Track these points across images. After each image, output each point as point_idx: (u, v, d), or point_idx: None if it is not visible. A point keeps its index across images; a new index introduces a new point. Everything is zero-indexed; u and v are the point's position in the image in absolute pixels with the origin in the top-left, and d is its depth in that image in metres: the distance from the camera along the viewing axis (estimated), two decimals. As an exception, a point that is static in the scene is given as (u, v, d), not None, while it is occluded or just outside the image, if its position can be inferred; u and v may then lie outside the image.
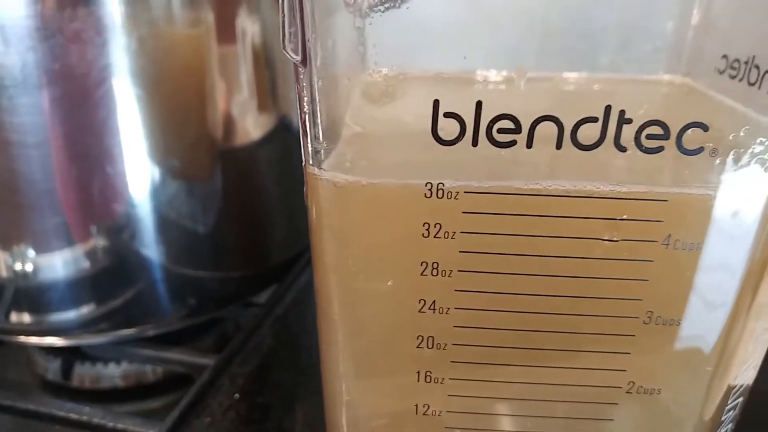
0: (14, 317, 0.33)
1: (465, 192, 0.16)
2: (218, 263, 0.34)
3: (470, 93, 0.17)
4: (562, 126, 0.15)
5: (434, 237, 0.16)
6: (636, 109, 0.15)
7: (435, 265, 0.16)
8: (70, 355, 0.36)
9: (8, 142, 0.29)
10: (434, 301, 0.17)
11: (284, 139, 0.35)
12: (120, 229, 0.31)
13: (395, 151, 0.17)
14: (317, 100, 0.16)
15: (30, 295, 0.32)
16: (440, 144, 0.15)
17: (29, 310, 0.33)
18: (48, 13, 0.27)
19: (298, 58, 0.15)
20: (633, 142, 0.15)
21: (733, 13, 0.20)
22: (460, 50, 0.21)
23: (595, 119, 0.15)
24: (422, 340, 0.17)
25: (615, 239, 0.16)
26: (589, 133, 0.15)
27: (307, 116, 0.16)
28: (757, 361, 0.20)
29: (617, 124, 0.15)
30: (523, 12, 0.21)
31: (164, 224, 0.32)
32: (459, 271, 0.16)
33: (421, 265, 0.16)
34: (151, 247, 0.32)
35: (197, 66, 0.31)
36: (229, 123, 0.33)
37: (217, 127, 0.32)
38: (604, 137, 0.15)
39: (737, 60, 0.19)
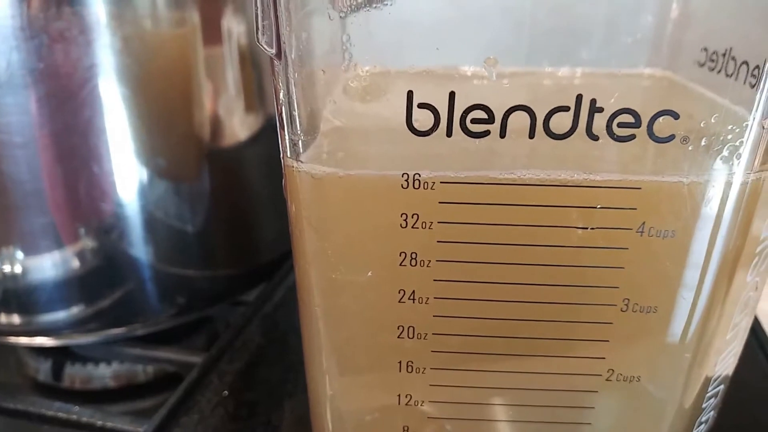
0: (3, 318, 0.33)
1: (441, 182, 0.16)
2: (207, 262, 0.35)
3: (445, 86, 0.17)
4: (535, 116, 0.15)
5: (412, 227, 0.16)
6: (607, 98, 0.15)
7: (413, 256, 0.16)
8: (60, 356, 0.36)
9: (-5, 143, 0.29)
10: (413, 291, 0.17)
11: (271, 137, 0.35)
12: (108, 229, 0.31)
13: (373, 144, 0.17)
14: (293, 93, 0.16)
15: (19, 295, 0.32)
16: (415, 135, 0.15)
17: (19, 310, 0.33)
18: (32, 13, 0.27)
19: (273, 51, 0.15)
20: (605, 131, 0.15)
21: (711, 6, 0.20)
22: (438, 45, 0.21)
23: (566, 108, 0.15)
24: (403, 330, 0.17)
25: (590, 227, 0.16)
26: (561, 122, 0.15)
27: (283, 108, 0.16)
28: (737, 349, 0.20)
29: (588, 113, 0.15)
30: (505, 6, 0.21)
31: (152, 224, 0.32)
32: (437, 261, 0.16)
33: (400, 255, 0.17)
34: (139, 247, 0.32)
35: (183, 66, 0.31)
36: (215, 122, 0.33)
37: (204, 127, 0.32)
38: (576, 126, 0.15)
39: (715, 52, 0.20)
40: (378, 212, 0.16)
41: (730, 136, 0.15)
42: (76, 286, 0.32)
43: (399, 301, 0.17)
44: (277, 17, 0.14)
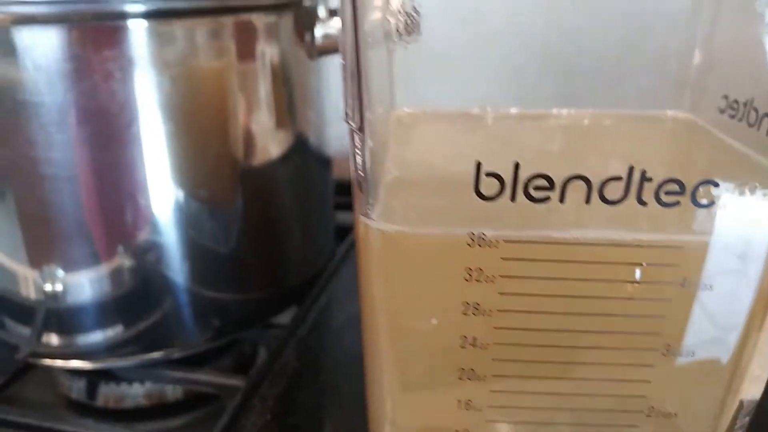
0: (43, 340, 0.34)
1: (504, 241, 0.17)
2: (241, 284, 0.36)
3: (496, 138, 0.18)
4: (591, 184, 0.17)
5: (475, 280, 0.18)
6: (656, 168, 0.17)
7: (476, 306, 0.18)
8: (94, 376, 0.37)
9: (43, 176, 0.30)
10: (475, 338, 0.19)
11: (299, 161, 0.37)
12: (145, 253, 0.32)
13: (434, 198, 0.19)
14: (367, 159, 0.18)
15: (58, 318, 0.34)
16: (482, 200, 0.17)
17: (58, 333, 0.34)
18: (85, 56, 0.28)
19: (356, 125, 0.17)
20: (653, 198, 0.17)
21: (733, 56, 0.22)
22: (477, 86, 0.23)
23: (619, 178, 0.17)
24: (463, 371, 0.19)
25: (637, 281, 0.18)
26: (614, 188, 0.17)
27: (360, 173, 0.18)
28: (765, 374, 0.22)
29: (639, 182, 0.17)
30: (537, 51, 0.23)
31: (188, 248, 0.33)
32: (498, 310, 0.18)
33: (463, 305, 0.18)
34: (176, 271, 0.33)
35: (220, 95, 0.32)
36: (250, 147, 0.34)
37: (239, 151, 0.33)
38: (627, 194, 0.17)
39: (736, 101, 0.21)
40: (444, 267, 0.18)
41: (761, 191, 0.17)
42: (115, 310, 0.34)
43: (460, 346, 0.19)
44: (361, 99, 0.16)
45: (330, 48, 0.36)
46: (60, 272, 0.32)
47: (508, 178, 0.17)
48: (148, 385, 0.37)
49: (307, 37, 0.35)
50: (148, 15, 0.28)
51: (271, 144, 0.35)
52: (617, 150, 0.20)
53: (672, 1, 0.22)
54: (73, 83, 0.28)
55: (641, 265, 0.18)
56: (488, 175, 0.17)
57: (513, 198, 0.17)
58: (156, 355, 0.35)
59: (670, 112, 0.24)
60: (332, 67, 0.38)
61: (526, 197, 0.17)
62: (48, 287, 0.33)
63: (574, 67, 0.23)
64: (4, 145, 0.29)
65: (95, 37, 0.28)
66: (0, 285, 0.33)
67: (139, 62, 0.29)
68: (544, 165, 0.17)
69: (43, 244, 0.32)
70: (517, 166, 0.17)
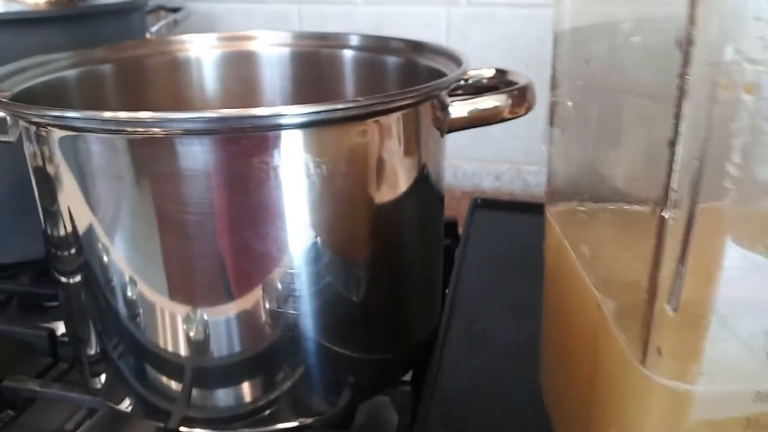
0: (173, 408, 0.34)
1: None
2: (372, 343, 0.36)
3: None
4: None
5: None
6: None
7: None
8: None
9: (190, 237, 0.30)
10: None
11: (428, 224, 0.38)
12: (285, 323, 0.32)
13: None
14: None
15: (203, 380, 0.34)
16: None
17: (202, 398, 0.34)
18: (237, 163, 0.29)
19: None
20: None
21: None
22: None
23: None
24: None
25: None
26: None
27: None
28: None
29: None
30: None
31: (323, 310, 0.33)
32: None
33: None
34: (309, 337, 0.33)
35: (361, 166, 0.32)
36: (383, 209, 0.34)
37: (373, 213, 0.34)
38: None
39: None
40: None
41: None
42: (249, 379, 0.34)
43: None
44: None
45: (457, 126, 0.37)
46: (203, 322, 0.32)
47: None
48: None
49: (440, 119, 0.36)
50: (302, 125, 0.29)
51: (400, 203, 0.35)
52: None
53: None
54: (228, 189, 0.29)
55: None
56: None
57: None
58: (289, 425, 0.35)
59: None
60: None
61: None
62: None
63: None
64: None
65: (248, 146, 0.29)
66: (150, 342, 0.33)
67: (290, 164, 0.29)
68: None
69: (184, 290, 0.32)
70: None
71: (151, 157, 0.29)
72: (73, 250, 0.33)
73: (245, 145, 0.28)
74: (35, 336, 0.43)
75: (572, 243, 0.27)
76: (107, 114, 0.27)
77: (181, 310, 0.32)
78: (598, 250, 0.24)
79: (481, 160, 0.67)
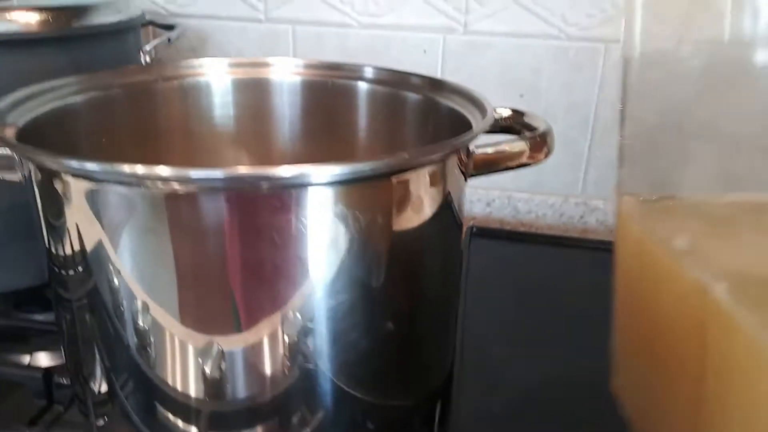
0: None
1: None
2: (389, 386, 0.36)
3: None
4: None
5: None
6: None
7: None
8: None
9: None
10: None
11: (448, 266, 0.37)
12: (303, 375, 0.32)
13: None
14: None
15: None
16: None
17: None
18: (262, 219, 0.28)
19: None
20: None
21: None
22: None
23: None
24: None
25: None
26: None
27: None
28: None
29: None
30: None
31: (341, 355, 0.33)
32: None
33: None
34: (326, 381, 0.33)
35: (387, 215, 0.32)
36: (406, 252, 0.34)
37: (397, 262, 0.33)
38: None
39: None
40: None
41: None
42: (265, 420, 0.33)
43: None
44: None
45: (479, 168, 0.37)
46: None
47: None
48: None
49: (466, 164, 0.36)
50: (331, 184, 0.28)
51: (424, 251, 0.35)
52: None
53: None
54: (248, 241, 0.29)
55: None
56: None
57: None
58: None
59: None
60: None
61: None
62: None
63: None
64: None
65: (271, 203, 0.28)
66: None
67: (312, 217, 0.29)
68: None
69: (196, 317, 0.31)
70: None
71: (172, 210, 0.28)
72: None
73: (268, 201, 0.28)
74: (29, 378, 0.41)
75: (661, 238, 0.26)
76: (126, 168, 0.26)
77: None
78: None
79: (473, 187, 0.67)
